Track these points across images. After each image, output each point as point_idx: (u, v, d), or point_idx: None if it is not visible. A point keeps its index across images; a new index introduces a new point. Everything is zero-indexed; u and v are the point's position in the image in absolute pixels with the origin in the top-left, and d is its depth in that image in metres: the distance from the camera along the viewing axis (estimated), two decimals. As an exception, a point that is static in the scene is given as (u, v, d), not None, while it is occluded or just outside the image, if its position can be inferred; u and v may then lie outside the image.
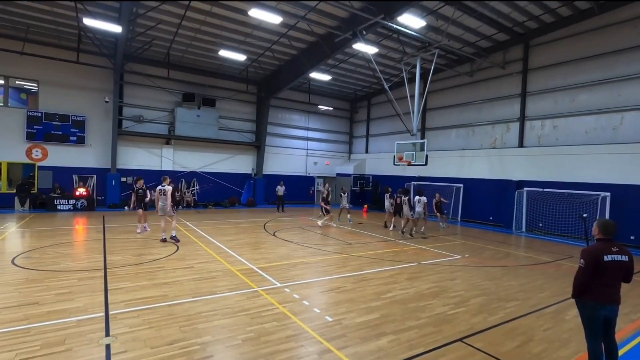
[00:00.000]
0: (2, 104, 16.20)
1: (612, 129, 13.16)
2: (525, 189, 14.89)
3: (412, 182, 20.16)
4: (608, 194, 12.45)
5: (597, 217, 12.41)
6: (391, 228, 14.23)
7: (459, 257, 9.66)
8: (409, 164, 15.52)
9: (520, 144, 15.95)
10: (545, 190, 14.22)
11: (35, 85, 16.70)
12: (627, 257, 3.51)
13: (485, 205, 16.92)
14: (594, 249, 3.51)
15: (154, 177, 19.18)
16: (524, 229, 14.79)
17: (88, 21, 12.46)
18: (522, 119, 15.96)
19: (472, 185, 17.57)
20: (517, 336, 4.74)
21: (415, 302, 5.87)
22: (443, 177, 18.86)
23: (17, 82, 16.65)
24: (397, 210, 13.79)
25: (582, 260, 3.51)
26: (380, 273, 7.63)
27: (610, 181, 12.71)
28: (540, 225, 14.40)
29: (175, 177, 19.60)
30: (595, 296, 3.50)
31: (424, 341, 4.46)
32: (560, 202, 13.71)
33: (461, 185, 17.91)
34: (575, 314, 5.42)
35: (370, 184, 24.02)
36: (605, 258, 3.45)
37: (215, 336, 4.37)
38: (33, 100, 16.89)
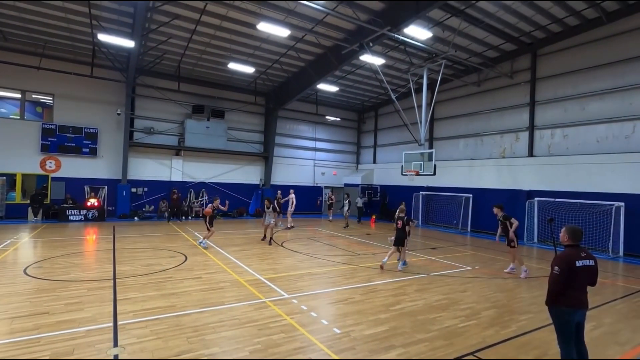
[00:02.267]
0: (18, 117, 16.69)
1: (624, 138, 12.95)
2: (536, 198, 14.65)
3: (421, 192, 20.02)
4: (622, 203, 12.17)
5: (611, 227, 12.17)
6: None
7: (469, 268, 9.50)
8: (417, 174, 15.45)
9: (530, 154, 15.77)
10: (557, 200, 13.97)
11: (51, 98, 17.18)
12: (593, 261, 3.70)
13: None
14: (566, 256, 3.67)
15: (164, 188, 19.49)
16: (535, 240, 14.50)
17: (102, 37, 12.85)
18: (532, 128, 15.81)
19: (482, 196, 17.34)
20: (531, 350, 4.61)
21: (424, 315, 5.77)
22: (452, 187, 18.70)
23: (33, 96, 17.17)
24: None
25: (556, 267, 3.62)
26: (389, 284, 7.53)
27: (624, 191, 12.44)
28: (553, 236, 14.07)
29: (185, 187, 19.82)
30: (568, 302, 3.63)
31: (434, 355, 4.37)
32: (572, 212, 13.42)
33: (470, 195, 17.71)
34: (590, 327, 5.27)
35: (379, 194, 23.92)
36: (577, 264, 3.60)
37: (222, 347, 4.34)
38: (48, 113, 17.37)
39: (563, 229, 3.86)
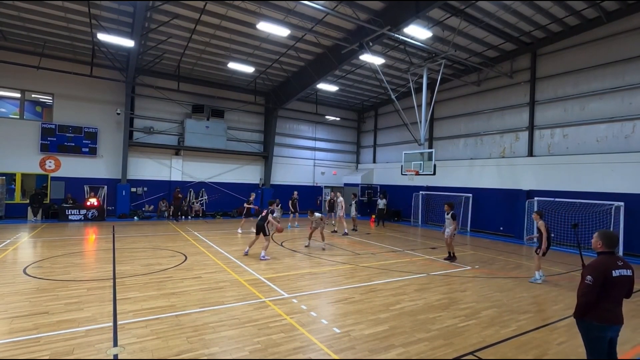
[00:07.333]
0: (18, 117, 16.67)
1: (624, 138, 12.95)
2: (536, 198, 14.65)
3: (421, 192, 20.03)
4: (622, 203, 12.18)
5: (611, 226, 12.16)
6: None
7: (469, 267, 9.50)
8: (417, 174, 15.45)
9: (530, 153, 15.77)
10: (557, 199, 13.97)
11: (50, 98, 17.16)
12: (631, 271, 3.33)
13: (495, 215, 16.68)
14: (601, 264, 3.28)
15: (164, 188, 19.48)
16: (535, 240, 14.48)
17: (102, 36, 12.82)
18: (531, 127, 15.81)
19: (482, 195, 17.36)
20: (531, 350, 4.61)
21: (424, 314, 5.77)
22: (452, 186, 18.70)
23: (32, 96, 17.14)
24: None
25: (588, 277, 3.24)
26: (388, 284, 7.54)
27: (624, 190, 12.44)
28: (552, 235, 14.06)
29: (184, 187, 19.82)
30: (602, 317, 3.27)
31: (434, 354, 4.37)
32: (572, 212, 13.44)
33: (470, 195, 17.72)
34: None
35: (379, 194, 23.91)
36: (614, 273, 3.23)
37: (222, 347, 4.34)
38: (48, 112, 17.34)
39: (596, 234, 3.44)
